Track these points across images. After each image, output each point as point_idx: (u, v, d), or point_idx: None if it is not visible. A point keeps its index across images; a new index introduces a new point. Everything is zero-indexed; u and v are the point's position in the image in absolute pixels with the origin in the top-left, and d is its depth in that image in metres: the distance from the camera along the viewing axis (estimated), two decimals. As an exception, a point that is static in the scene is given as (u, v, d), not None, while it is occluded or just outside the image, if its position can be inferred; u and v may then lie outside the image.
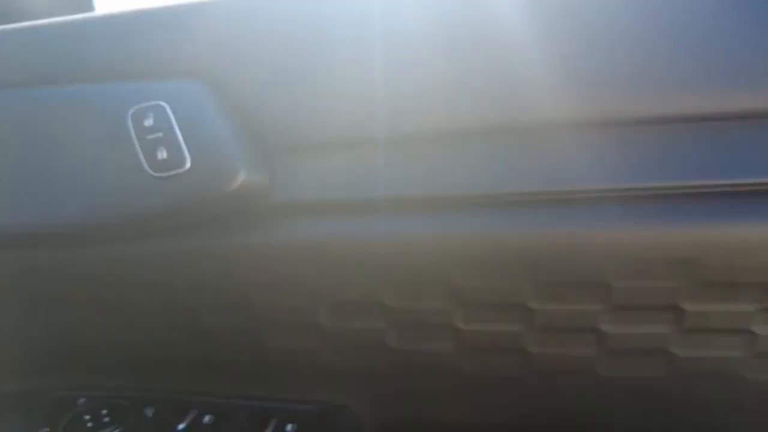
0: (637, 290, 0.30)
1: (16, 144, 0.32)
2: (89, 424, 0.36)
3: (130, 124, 0.30)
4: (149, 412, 0.37)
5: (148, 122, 0.30)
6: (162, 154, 0.29)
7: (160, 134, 0.29)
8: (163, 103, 0.30)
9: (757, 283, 0.29)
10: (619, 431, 0.36)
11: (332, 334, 0.35)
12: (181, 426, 0.36)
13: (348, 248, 0.31)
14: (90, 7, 0.57)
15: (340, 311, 0.34)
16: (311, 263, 0.31)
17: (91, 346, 0.39)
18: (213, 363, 0.39)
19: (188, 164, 0.29)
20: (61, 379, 0.41)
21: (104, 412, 0.37)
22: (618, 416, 0.36)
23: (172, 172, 0.29)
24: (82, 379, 0.41)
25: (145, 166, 0.29)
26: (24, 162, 0.31)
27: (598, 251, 0.28)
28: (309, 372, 0.38)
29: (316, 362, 0.37)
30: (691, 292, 0.29)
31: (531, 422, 0.34)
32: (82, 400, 0.39)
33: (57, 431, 0.36)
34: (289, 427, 0.36)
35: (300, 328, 0.35)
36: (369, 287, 0.32)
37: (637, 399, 0.34)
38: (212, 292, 0.34)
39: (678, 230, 0.27)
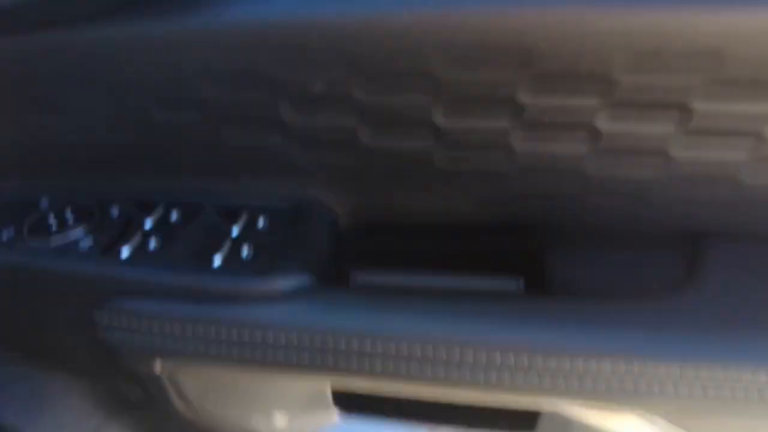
0: (644, 86, 0.26)
1: None
2: (54, 224, 0.35)
3: None
4: (114, 210, 0.36)
5: None
6: None
7: None
8: None
9: None
10: (599, 231, 0.36)
11: (298, 131, 0.32)
12: (148, 221, 0.35)
13: (310, 30, 0.26)
14: None
15: (305, 106, 0.31)
16: (266, 48, 0.27)
17: (44, 148, 0.37)
18: (175, 161, 0.37)
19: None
20: (20, 181, 0.39)
21: (68, 211, 0.36)
22: (600, 216, 0.35)
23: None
24: (40, 180, 0.39)
25: None
26: None
27: (606, 39, 0.24)
28: (277, 168, 0.36)
29: (284, 159, 0.35)
30: (705, 89, 0.26)
31: (508, 217, 0.34)
32: (44, 201, 0.38)
33: (22, 232, 0.35)
34: (260, 221, 0.35)
35: (262, 124, 0.32)
36: (336, 78, 0.28)
37: (622, 200, 0.33)
38: (159, 85, 0.30)
39: (700, 17, 0.23)
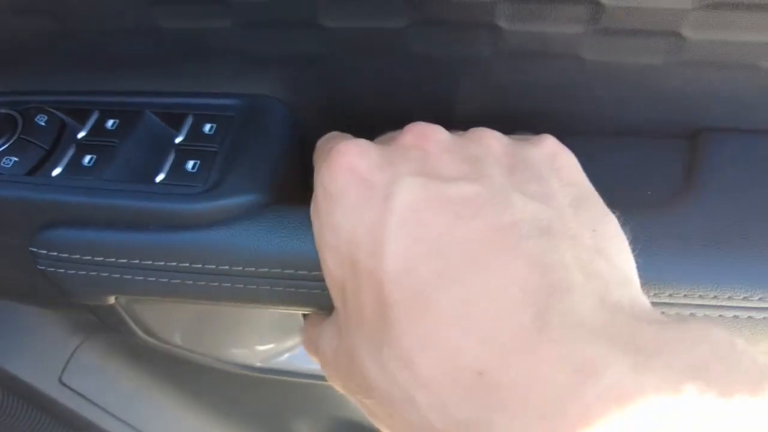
0: None
1: None
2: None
3: None
4: (41, 119, 0.31)
5: None
6: None
7: None
8: None
9: None
10: (590, 131, 0.31)
11: (247, 12, 0.27)
12: (81, 133, 0.30)
13: None
14: None
15: None
16: None
17: None
18: (105, 58, 0.31)
19: None
20: None
21: (-16, 123, 0.31)
22: (592, 113, 0.30)
23: None
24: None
25: None
26: None
27: None
28: (225, 61, 0.30)
29: (232, 49, 0.29)
30: None
31: (490, 113, 0.29)
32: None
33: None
34: (206, 126, 0.30)
35: (204, 3, 0.26)
36: None
37: (619, 91, 0.29)
38: None
39: None
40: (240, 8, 0.27)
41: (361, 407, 0.23)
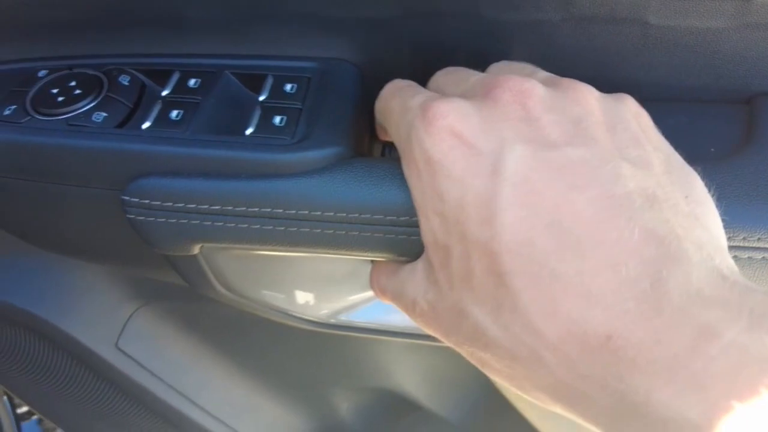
0: None
1: None
2: (59, 98, 0.31)
3: None
4: (124, 80, 0.33)
5: None
6: None
7: None
8: None
9: None
10: (653, 85, 0.32)
11: None
12: (164, 92, 0.32)
13: None
14: None
15: None
16: None
17: (35, 9, 0.32)
18: (185, 21, 0.32)
19: None
20: (12, 52, 0.35)
21: (72, 83, 0.32)
22: (656, 74, 0.31)
23: None
24: (35, 51, 0.35)
25: None
26: None
27: None
28: (299, 23, 0.32)
29: (307, 12, 0.31)
30: None
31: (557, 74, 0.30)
32: (42, 72, 0.34)
33: (25, 106, 0.32)
34: (287, 86, 0.32)
35: None
36: None
37: (682, 54, 0.30)
38: None
39: None
40: None
41: (468, 356, 0.24)
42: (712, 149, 0.30)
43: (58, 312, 0.47)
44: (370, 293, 0.34)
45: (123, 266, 0.44)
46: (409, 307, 0.26)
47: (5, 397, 0.86)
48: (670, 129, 0.26)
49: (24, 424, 0.91)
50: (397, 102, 0.27)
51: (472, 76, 0.26)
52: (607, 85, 0.32)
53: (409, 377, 0.58)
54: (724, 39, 0.29)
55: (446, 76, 0.28)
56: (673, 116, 0.32)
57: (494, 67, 0.28)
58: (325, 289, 0.36)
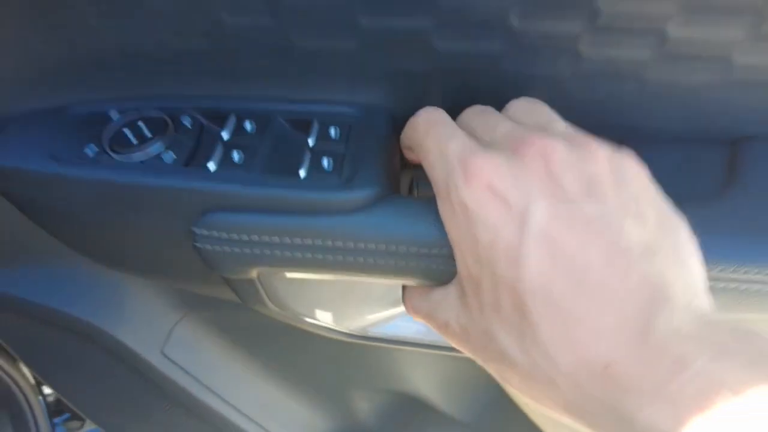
0: None
1: None
2: (133, 139, 0.36)
3: None
4: (186, 121, 0.37)
5: None
6: None
7: None
8: None
9: None
10: (647, 129, 0.36)
11: (372, 35, 0.32)
12: (224, 133, 0.36)
13: None
14: None
15: (382, 7, 0.31)
16: None
17: (108, 55, 0.37)
18: (242, 68, 0.37)
19: None
20: (86, 94, 0.39)
21: (142, 125, 0.37)
22: (650, 122, 0.36)
23: None
24: (106, 92, 0.39)
25: None
26: None
27: None
28: (345, 74, 0.36)
29: (353, 65, 0.35)
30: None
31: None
32: (114, 113, 0.38)
33: (104, 147, 0.36)
34: (332, 130, 0.36)
35: (334, 27, 0.32)
36: None
37: (674, 106, 0.34)
38: None
39: None
40: (368, 34, 0.32)
41: (492, 372, 0.29)
42: (699, 188, 0.34)
43: (110, 321, 0.52)
44: (397, 309, 0.38)
45: (176, 282, 0.49)
46: (442, 327, 0.31)
47: (40, 398, 0.91)
48: (663, 169, 0.31)
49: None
50: (433, 143, 0.30)
51: (499, 125, 0.30)
52: (607, 129, 0.37)
53: (424, 381, 0.62)
54: (711, 92, 0.33)
55: (475, 118, 0.32)
56: (667, 156, 0.36)
57: (514, 106, 0.32)
58: (360, 306, 0.41)
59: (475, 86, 0.36)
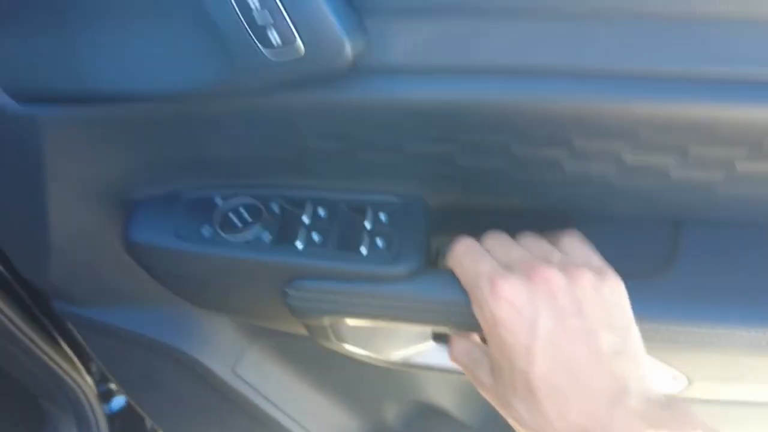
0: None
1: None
2: (238, 223, 0.49)
3: None
4: (274, 206, 0.50)
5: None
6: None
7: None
8: None
9: None
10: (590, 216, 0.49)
11: (412, 153, 0.46)
12: (304, 217, 0.49)
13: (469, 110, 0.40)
14: None
15: (419, 136, 0.44)
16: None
17: (212, 160, 0.50)
18: (318, 171, 0.50)
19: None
20: (194, 181, 0.52)
21: (241, 209, 0.50)
22: (604, 206, 0.49)
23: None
24: (212, 181, 0.52)
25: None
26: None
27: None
28: (393, 175, 0.49)
29: (399, 170, 0.48)
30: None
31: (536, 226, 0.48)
32: (218, 199, 0.51)
33: (215, 228, 0.49)
34: (382, 216, 0.49)
35: (387, 149, 0.45)
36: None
37: (625, 195, 0.47)
38: (319, 130, 0.44)
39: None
40: (410, 153, 0.46)
41: (507, 419, 0.41)
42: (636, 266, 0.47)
43: (192, 345, 0.66)
44: (429, 344, 0.52)
45: (257, 322, 0.63)
46: (477, 381, 0.44)
47: (105, 405, 1.05)
48: (616, 246, 0.43)
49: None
50: (469, 263, 0.41)
51: (513, 251, 0.40)
52: (575, 211, 0.50)
53: (445, 394, 0.76)
54: (660, 192, 0.46)
55: (494, 242, 0.42)
56: (622, 234, 0.49)
57: (523, 237, 0.43)
58: (397, 341, 0.55)
59: (485, 186, 0.49)
